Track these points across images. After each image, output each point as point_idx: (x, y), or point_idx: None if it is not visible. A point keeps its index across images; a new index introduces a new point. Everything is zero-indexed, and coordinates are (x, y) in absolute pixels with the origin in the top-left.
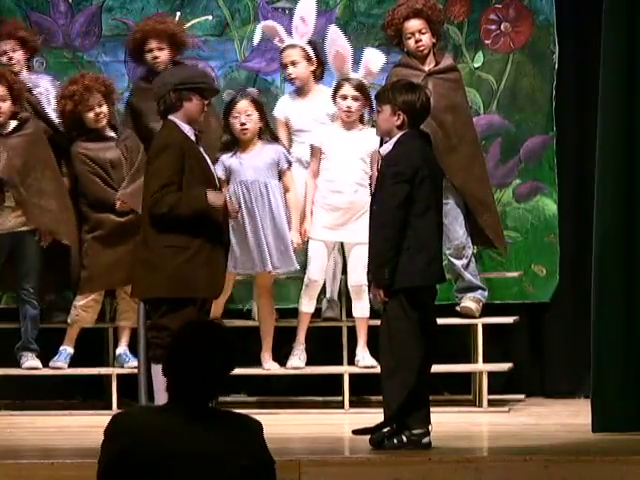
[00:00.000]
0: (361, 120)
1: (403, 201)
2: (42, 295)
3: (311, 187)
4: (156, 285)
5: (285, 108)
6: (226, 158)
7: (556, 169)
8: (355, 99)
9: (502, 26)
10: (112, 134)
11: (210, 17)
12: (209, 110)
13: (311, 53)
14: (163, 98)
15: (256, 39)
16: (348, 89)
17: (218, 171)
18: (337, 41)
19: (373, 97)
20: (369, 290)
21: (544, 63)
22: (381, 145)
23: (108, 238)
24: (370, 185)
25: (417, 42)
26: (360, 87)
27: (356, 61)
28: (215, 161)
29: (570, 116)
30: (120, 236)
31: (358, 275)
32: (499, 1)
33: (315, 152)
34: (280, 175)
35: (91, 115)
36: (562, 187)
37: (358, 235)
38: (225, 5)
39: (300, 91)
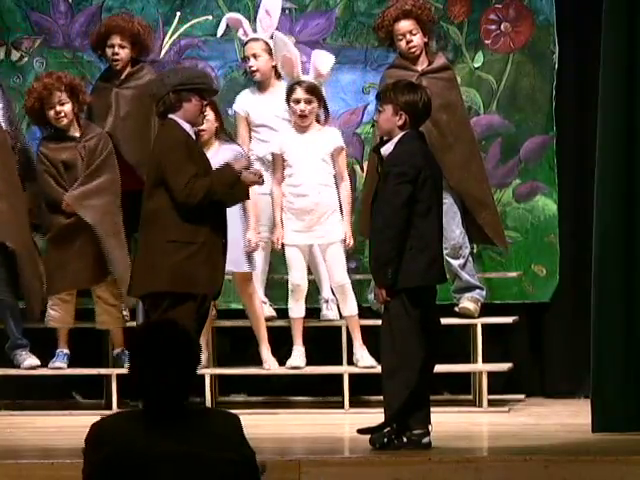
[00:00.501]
0: (317, 120)
1: (406, 201)
2: (17, 298)
3: (278, 195)
4: (157, 281)
5: (245, 103)
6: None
7: (556, 169)
8: (308, 102)
9: (502, 26)
10: (76, 134)
11: (210, 17)
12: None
13: (273, 48)
14: (162, 99)
15: (220, 31)
16: (300, 93)
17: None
18: (282, 46)
19: (375, 97)
20: (370, 289)
21: (544, 63)
22: (382, 145)
23: (57, 239)
24: (336, 184)
25: (408, 43)
26: (312, 89)
27: (359, 62)
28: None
29: (570, 116)
30: (67, 237)
31: (338, 275)
32: (499, 1)
33: (277, 160)
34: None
35: (51, 113)
36: (562, 187)
37: (329, 235)
38: (225, 5)
39: (261, 86)
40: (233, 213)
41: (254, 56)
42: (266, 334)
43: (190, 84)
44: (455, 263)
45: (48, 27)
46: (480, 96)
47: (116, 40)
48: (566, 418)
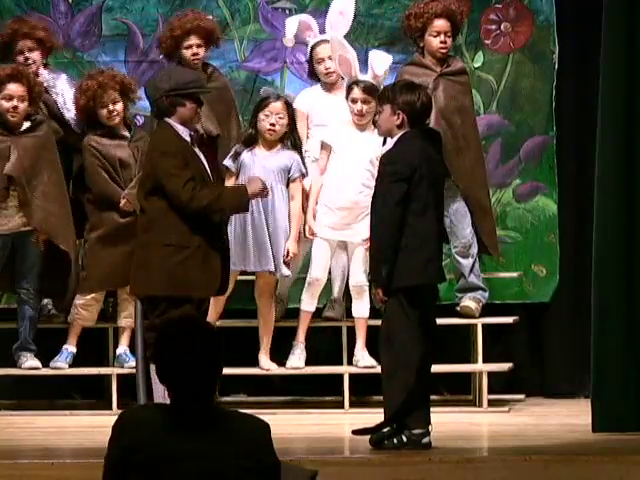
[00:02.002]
0: (374, 122)
1: (400, 200)
2: (40, 297)
3: (317, 184)
4: (153, 283)
5: (309, 100)
6: (241, 151)
7: (556, 169)
8: (365, 102)
9: (502, 26)
10: (125, 133)
11: (210, 17)
12: (232, 114)
13: (331, 48)
14: (156, 102)
15: (289, 34)
16: (357, 92)
17: (229, 162)
18: (339, 47)
19: (379, 96)
20: (370, 290)
21: (544, 63)
22: (384, 144)
23: (108, 238)
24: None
25: (442, 42)
26: (369, 89)
27: (360, 61)
28: (228, 152)
29: (570, 116)
30: (120, 237)
31: (360, 275)
32: (499, 1)
33: (325, 149)
34: (288, 182)
35: (104, 112)
36: (562, 187)
37: (361, 235)
38: (225, 5)
39: (329, 86)
40: (272, 215)
41: (330, 58)
42: (269, 343)
43: (184, 89)
44: (464, 262)
45: (49, 27)
46: (480, 96)
47: (194, 40)
48: (566, 418)
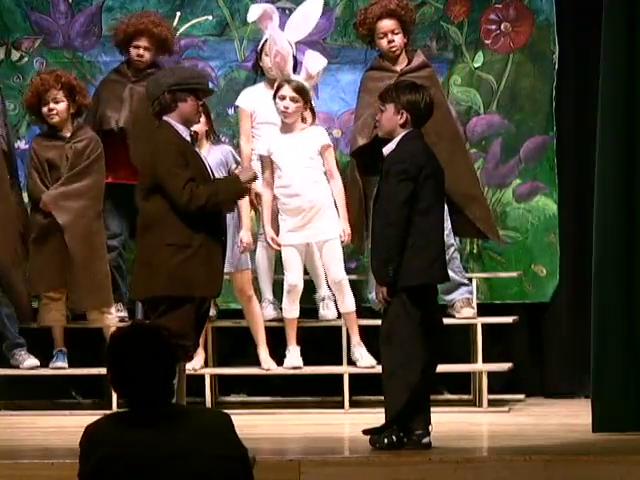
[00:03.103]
0: (303, 120)
1: (407, 199)
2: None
3: (268, 197)
4: (155, 285)
5: (252, 99)
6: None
7: (556, 169)
8: (293, 100)
9: (502, 26)
10: (67, 134)
11: (210, 17)
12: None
13: (269, 42)
14: (157, 99)
15: (250, 17)
16: (287, 90)
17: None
18: (277, 41)
19: (369, 99)
20: (371, 284)
21: (544, 63)
22: (384, 145)
23: (39, 240)
24: (327, 181)
25: (390, 42)
26: (299, 89)
27: (359, 62)
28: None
29: (570, 116)
30: (45, 238)
31: (335, 271)
32: (499, 1)
33: (265, 162)
34: (229, 175)
35: (44, 110)
36: (562, 187)
37: (324, 233)
38: (225, 5)
39: (272, 83)
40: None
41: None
42: (264, 336)
43: (185, 84)
44: None
45: (48, 27)
46: (480, 96)
47: (142, 42)
48: (566, 418)
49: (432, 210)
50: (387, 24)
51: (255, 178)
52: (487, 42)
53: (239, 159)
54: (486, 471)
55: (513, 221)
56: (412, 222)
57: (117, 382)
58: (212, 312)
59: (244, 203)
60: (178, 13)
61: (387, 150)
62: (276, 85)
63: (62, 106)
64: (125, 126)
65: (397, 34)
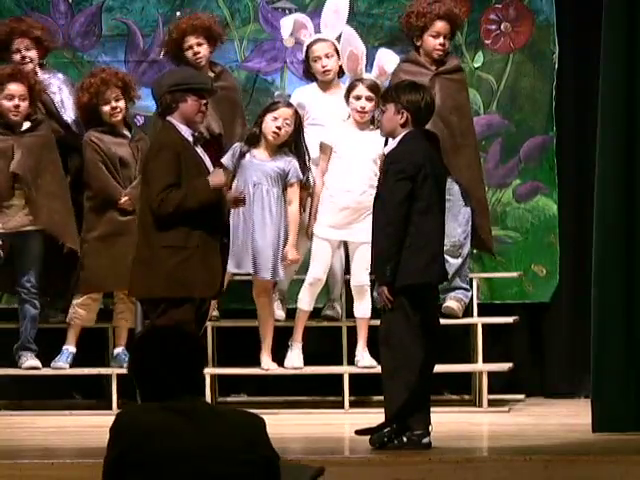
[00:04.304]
0: (372, 121)
1: (405, 198)
2: (40, 295)
3: (320, 185)
4: (153, 286)
5: (305, 99)
6: (240, 150)
7: (556, 169)
8: (369, 99)
9: (502, 26)
10: (126, 132)
11: (208, 15)
12: (237, 115)
13: (339, 48)
14: (160, 100)
15: (285, 33)
16: (362, 89)
17: (226, 160)
18: (351, 41)
19: (382, 95)
20: (372, 290)
21: (544, 63)
22: (386, 144)
23: (107, 237)
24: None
25: (441, 45)
26: (373, 87)
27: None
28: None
29: (570, 116)
30: (119, 236)
31: (361, 275)
32: (499, 1)
33: (325, 150)
34: (285, 187)
35: (107, 108)
36: (562, 187)
37: (363, 235)
38: (225, 5)
39: (325, 85)
40: (268, 218)
41: (326, 56)
42: (271, 341)
43: (184, 84)
44: (453, 262)
45: (48, 27)
46: (480, 96)
47: (193, 40)
48: (566, 418)
49: (431, 210)
50: (445, 26)
51: (226, 182)
52: (487, 42)
53: (302, 177)
54: (486, 471)
55: (513, 221)
56: (411, 222)
57: (145, 378)
58: (215, 312)
59: (293, 219)
60: (178, 13)
61: (388, 150)
62: (348, 85)
63: (123, 104)
64: (220, 131)
65: (448, 38)
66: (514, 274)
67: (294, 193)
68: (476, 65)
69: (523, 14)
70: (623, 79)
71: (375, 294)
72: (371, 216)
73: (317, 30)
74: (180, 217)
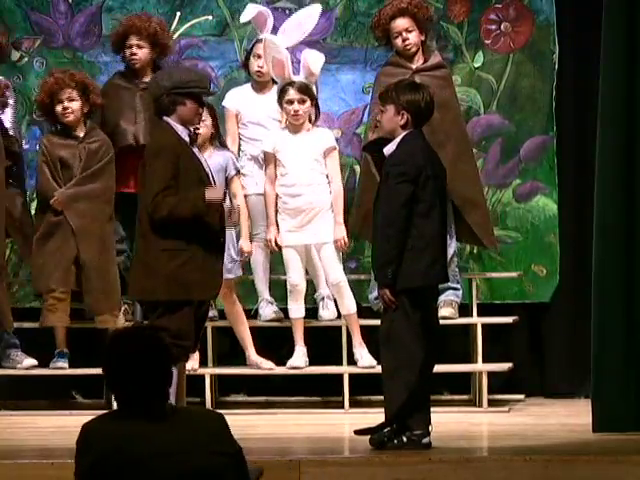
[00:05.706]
0: (309, 120)
1: (407, 200)
2: None
3: (271, 194)
4: (153, 288)
5: (238, 100)
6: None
7: (556, 169)
8: (301, 102)
9: (502, 26)
10: (80, 134)
11: (210, 17)
12: None
13: (263, 50)
14: (157, 100)
15: (243, 18)
16: (293, 93)
17: (230, 168)
18: (272, 48)
19: (377, 97)
20: (372, 285)
21: (544, 63)
22: (385, 145)
23: (44, 237)
24: (328, 183)
25: (404, 41)
26: (304, 89)
27: (359, 62)
28: None
29: (570, 116)
30: (52, 236)
31: (333, 274)
32: (499, 1)
33: (269, 158)
34: (227, 182)
35: (59, 108)
36: (562, 187)
37: (322, 235)
38: (225, 5)
39: (259, 86)
40: None
41: (259, 57)
42: (251, 338)
43: (184, 88)
44: None
45: (48, 27)
46: (480, 96)
47: (133, 40)
48: (566, 418)
49: (432, 212)
50: (400, 23)
51: (221, 200)
52: (487, 42)
53: (239, 167)
54: (486, 471)
55: (513, 221)
56: (412, 224)
57: (112, 381)
58: (213, 313)
59: (243, 212)
60: (178, 13)
61: (388, 151)
62: (279, 90)
63: (77, 105)
64: (136, 133)
65: (411, 32)
66: (514, 274)
67: (237, 186)
68: (476, 65)
69: (523, 14)
70: (623, 79)
71: (372, 296)
72: (326, 215)
73: (275, 32)
74: (172, 222)
